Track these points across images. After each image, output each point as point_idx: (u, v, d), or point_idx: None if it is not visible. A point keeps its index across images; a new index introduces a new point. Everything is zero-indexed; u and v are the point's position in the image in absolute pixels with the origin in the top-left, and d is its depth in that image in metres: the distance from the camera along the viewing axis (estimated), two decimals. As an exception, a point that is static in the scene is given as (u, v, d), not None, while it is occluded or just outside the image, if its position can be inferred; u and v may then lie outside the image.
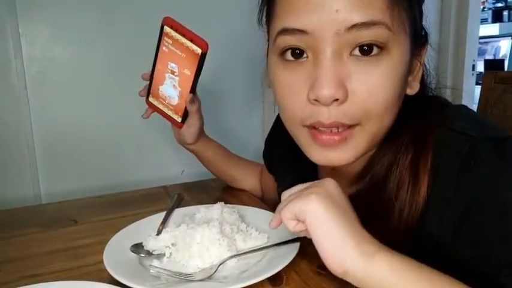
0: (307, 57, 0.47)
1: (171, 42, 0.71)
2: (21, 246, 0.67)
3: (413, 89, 0.52)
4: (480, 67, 3.29)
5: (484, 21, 3.96)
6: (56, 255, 0.63)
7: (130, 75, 1.19)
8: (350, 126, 0.47)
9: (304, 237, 0.62)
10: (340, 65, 0.45)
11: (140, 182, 1.12)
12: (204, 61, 0.70)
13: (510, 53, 3.96)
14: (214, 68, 1.28)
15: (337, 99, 0.45)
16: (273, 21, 0.50)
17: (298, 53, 0.47)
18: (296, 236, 0.60)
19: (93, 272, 0.57)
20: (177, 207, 0.75)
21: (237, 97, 1.29)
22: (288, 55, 0.48)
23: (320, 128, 0.48)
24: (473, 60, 1.59)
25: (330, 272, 0.43)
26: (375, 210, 0.51)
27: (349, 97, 0.45)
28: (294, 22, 0.45)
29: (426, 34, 0.53)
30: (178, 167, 1.25)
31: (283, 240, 0.59)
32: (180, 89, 0.74)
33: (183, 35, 0.70)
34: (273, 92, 0.52)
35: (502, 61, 3.94)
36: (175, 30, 0.70)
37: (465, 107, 0.55)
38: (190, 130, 0.81)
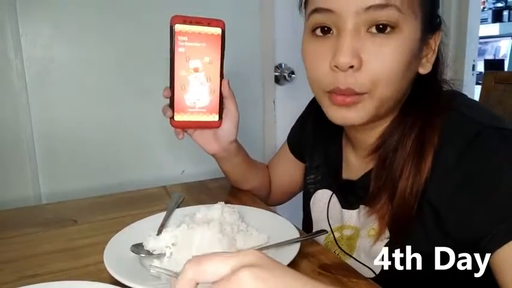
0: (332, 33, 0.57)
1: (186, 38, 0.68)
2: (21, 246, 0.66)
3: (425, 69, 0.61)
4: (480, 67, 3.29)
5: (484, 21, 3.96)
6: (56, 255, 0.63)
7: (131, 75, 1.20)
8: (360, 94, 0.57)
9: (305, 238, 0.62)
10: (358, 39, 0.55)
11: (140, 182, 1.12)
12: (225, 39, 0.70)
13: (510, 53, 3.97)
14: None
15: (352, 66, 0.55)
16: (308, 3, 0.61)
17: (326, 29, 0.58)
18: (297, 236, 0.60)
19: (93, 272, 0.57)
20: (177, 207, 0.75)
21: (237, 97, 1.29)
22: (318, 31, 0.59)
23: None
24: (473, 60, 1.59)
25: (331, 272, 0.43)
26: (386, 179, 0.60)
27: (362, 66, 0.55)
28: (324, 3, 0.56)
29: (440, 22, 0.62)
30: (178, 167, 1.25)
31: (284, 240, 0.59)
32: (209, 82, 0.71)
33: (199, 23, 0.69)
34: (304, 65, 0.62)
35: (502, 61, 3.94)
36: (189, 23, 0.69)
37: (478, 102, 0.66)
38: (230, 125, 0.75)
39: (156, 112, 0.74)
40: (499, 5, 4.22)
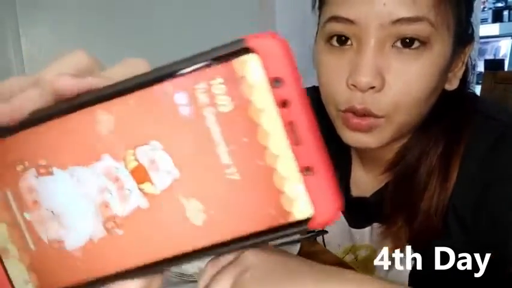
0: (351, 44, 0.49)
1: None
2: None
3: (452, 85, 0.54)
4: (480, 67, 3.29)
5: (484, 21, 3.96)
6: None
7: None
8: (378, 117, 0.50)
9: (305, 238, 0.62)
10: (381, 56, 0.47)
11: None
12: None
13: (510, 53, 3.97)
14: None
15: (373, 87, 0.47)
16: (324, 7, 0.52)
17: (343, 40, 0.50)
18: (297, 237, 0.60)
19: (93, 272, 0.57)
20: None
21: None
22: (334, 41, 0.50)
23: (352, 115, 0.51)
24: (474, 60, 1.59)
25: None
26: (404, 198, 0.54)
27: (385, 87, 0.48)
28: (344, 11, 0.48)
29: (473, 31, 0.55)
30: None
31: (284, 241, 0.59)
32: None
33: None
34: (316, 75, 0.54)
35: (502, 61, 3.94)
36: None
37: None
38: None
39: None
40: (499, 5, 4.22)
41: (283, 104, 0.18)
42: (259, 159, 0.18)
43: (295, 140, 0.18)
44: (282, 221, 0.18)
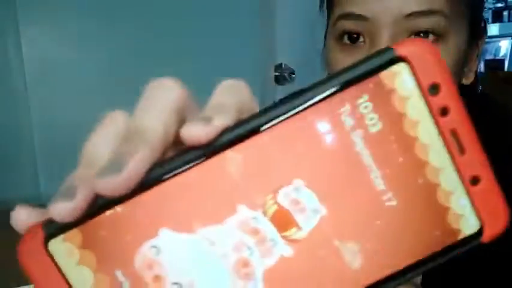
0: (363, 41, 0.48)
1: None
2: (21, 247, 0.66)
3: (468, 79, 0.54)
4: (480, 67, 3.29)
5: (484, 21, 3.96)
6: (56, 255, 0.63)
7: (131, 75, 1.20)
8: None
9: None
10: None
11: (140, 182, 1.12)
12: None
13: (510, 53, 3.96)
14: (214, 71, 1.28)
15: None
16: (334, 5, 0.51)
17: (355, 37, 0.49)
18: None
19: (93, 272, 0.57)
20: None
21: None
22: (345, 39, 0.50)
23: None
24: (474, 60, 1.59)
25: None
26: None
27: None
28: (355, 7, 0.47)
29: (485, 25, 0.55)
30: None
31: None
32: None
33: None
34: (328, 74, 0.53)
35: (502, 61, 3.93)
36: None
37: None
38: None
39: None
40: (499, 5, 4.22)
41: (442, 111, 0.16)
42: (419, 176, 0.17)
43: (458, 149, 0.17)
44: (448, 241, 0.17)
